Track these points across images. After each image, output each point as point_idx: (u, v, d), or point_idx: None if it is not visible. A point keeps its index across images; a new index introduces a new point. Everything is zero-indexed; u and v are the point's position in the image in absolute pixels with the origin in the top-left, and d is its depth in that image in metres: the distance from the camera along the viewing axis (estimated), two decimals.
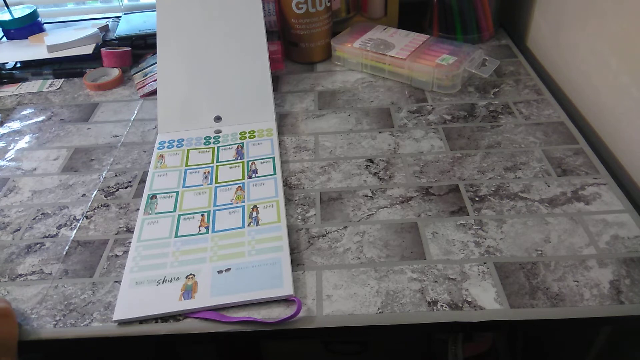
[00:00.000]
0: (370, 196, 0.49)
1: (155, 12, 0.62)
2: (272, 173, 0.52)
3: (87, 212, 0.50)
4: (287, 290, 0.40)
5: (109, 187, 0.53)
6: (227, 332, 0.38)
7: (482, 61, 0.66)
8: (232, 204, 0.48)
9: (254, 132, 0.58)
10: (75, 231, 0.48)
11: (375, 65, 0.69)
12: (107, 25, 0.87)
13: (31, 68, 0.76)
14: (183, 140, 0.57)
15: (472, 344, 0.70)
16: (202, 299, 0.39)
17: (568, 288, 0.39)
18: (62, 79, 0.75)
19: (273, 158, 0.54)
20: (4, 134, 0.63)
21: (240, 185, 0.51)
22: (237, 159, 0.54)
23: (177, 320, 0.39)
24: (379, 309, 0.39)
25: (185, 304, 0.39)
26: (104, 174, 0.55)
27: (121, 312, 0.39)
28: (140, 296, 0.40)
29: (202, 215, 0.47)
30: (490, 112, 0.60)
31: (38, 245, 0.47)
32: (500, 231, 0.44)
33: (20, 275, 0.44)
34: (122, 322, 0.39)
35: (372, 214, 0.47)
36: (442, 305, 0.39)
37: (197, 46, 0.61)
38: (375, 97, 0.65)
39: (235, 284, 0.40)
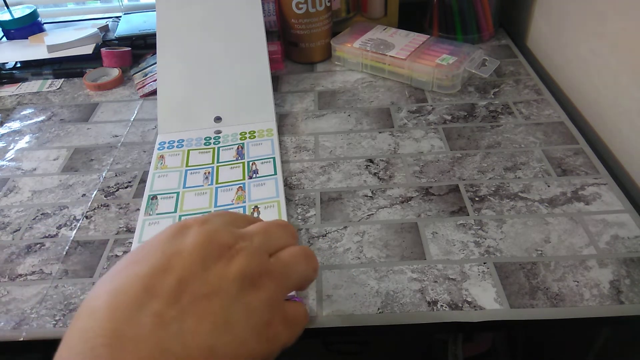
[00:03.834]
0: (370, 196, 0.49)
1: (155, 12, 0.62)
2: (273, 173, 0.52)
3: (87, 212, 0.50)
4: None
5: (109, 187, 0.53)
6: None
7: (482, 61, 0.66)
8: (233, 204, 0.48)
9: (254, 132, 0.58)
10: (75, 231, 0.48)
11: (375, 65, 0.69)
12: (107, 25, 0.87)
13: (31, 68, 0.76)
14: (183, 140, 0.58)
15: (472, 344, 0.70)
16: None
17: (568, 288, 0.39)
18: (62, 79, 0.75)
19: (274, 158, 0.54)
20: (4, 134, 0.63)
21: (241, 185, 0.51)
22: (237, 159, 0.54)
23: None
24: (379, 309, 0.39)
25: None
26: (104, 174, 0.55)
27: None
28: None
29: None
30: (490, 112, 0.60)
31: (38, 246, 0.47)
32: (500, 231, 0.44)
33: (20, 275, 0.44)
34: None
35: (372, 214, 0.47)
36: (442, 305, 0.39)
37: (197, 46, 0.61)
38: (375, 97, 0.65)
39: None
